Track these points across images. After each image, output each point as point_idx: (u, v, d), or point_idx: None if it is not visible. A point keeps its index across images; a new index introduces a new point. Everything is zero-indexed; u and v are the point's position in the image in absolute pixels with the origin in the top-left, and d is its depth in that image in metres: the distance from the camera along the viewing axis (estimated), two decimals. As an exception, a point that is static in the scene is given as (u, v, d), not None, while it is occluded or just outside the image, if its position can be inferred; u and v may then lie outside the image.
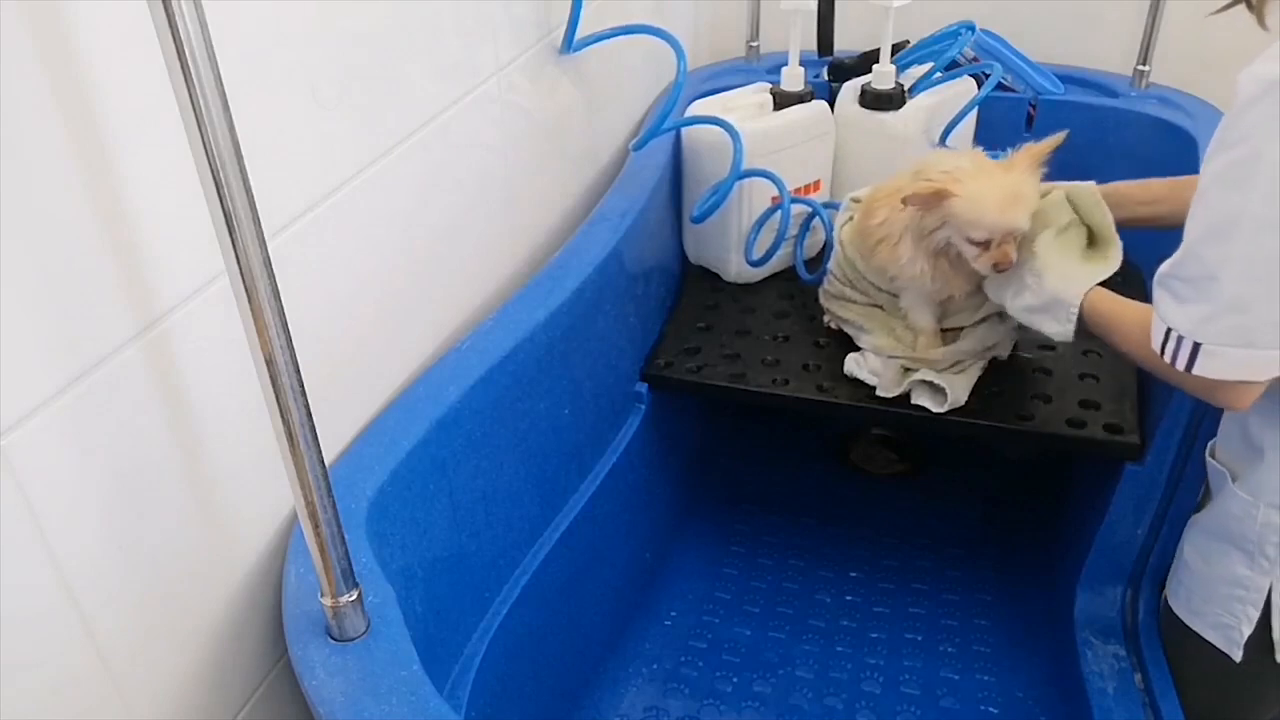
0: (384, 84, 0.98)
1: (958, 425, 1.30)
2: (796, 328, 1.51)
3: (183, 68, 0.58)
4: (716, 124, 1.46)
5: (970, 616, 1.54)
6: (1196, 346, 0.86)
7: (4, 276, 0.62)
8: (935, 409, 1.30)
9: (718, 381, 1.42)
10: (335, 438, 0.99)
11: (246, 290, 0.66)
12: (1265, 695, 1.09)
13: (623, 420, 1.45)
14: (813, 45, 1.59)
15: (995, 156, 1.18)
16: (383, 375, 1.06)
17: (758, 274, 1.62)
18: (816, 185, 1.61)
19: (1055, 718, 1.37)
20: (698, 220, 1.54)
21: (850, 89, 1.62)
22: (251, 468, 0.87)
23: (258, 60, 0.81)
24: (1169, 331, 0.88)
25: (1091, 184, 1.16)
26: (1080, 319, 1.07)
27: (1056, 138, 1.15)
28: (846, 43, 1.63)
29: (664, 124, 1.47)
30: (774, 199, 1.53)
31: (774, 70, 1.62)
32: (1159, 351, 0.90)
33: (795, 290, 1.59)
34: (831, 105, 1.61)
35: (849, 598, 1.58)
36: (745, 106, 1.54)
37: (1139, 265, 1.30)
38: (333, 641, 0.81)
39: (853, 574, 1.62)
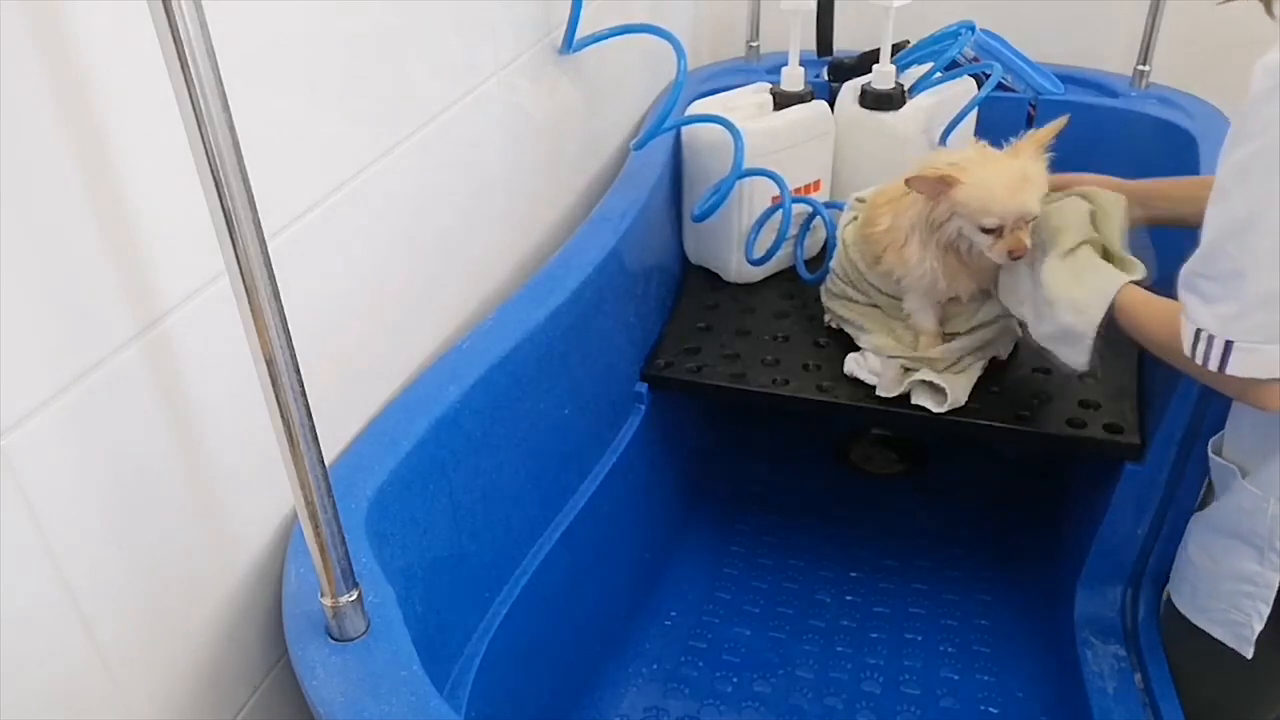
0: (384, 84, 0.98)
1: (958, 425, 1.30)
2: (796, 328, 1.51)
3: (183, 68, 0.58)
4: (717, 122, 1.46)
5: (970, 616, 1.54)
6: (1228, 345, 0.84)
7: (4, 276, 0.62)
8: (935, 409, 1.30)
9: (718, 381, 1.42)
10: (335, 438, 0.99)
11: (246, 290, 0.66)
12: (1270, 692, 1.09)
13: (623, 420, 1.45)
14: (813, 45, 1.60)
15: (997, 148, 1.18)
16: (383, 375, 1.06)
17: (758, 274, 1.62)
18: (816, 185, 1.61)
19: (1055, 718, 1.37)
20: (699, 219, 1.53)
21: (850, 89, 1.62)
22: (251, 468, 0.87)
23: (258, 60, 0.81)
24: (1199, 332, 0.87)
25: (1120, 197, 1.13)
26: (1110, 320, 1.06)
27: (1058, 123, 1.14)
28: (846, 43, 1.63)
29: (664, 123, 1.47)
30: (774, 199, 1.53)
31: (774, 70, 1.62)
32: (1190, 354, 0.88)
33: (795, 290, 1.59)
34: (831, 105, 1.61)
35: (849, 598, 1.58)
36: (745, 106, 1.54)
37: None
38: (333, 641, 0.81)
39: (853, 574, 1.62)
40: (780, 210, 1.51)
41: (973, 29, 1.57)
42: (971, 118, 1.59)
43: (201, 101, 0.59)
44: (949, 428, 1.31)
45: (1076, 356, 1.10)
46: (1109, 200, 1.13)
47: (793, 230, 1.55)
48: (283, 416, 0.71)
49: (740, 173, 1.47)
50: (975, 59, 1.65)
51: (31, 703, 0.69)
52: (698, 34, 1.89)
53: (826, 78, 1.67)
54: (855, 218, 1.39)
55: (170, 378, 0.77)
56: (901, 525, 1.71)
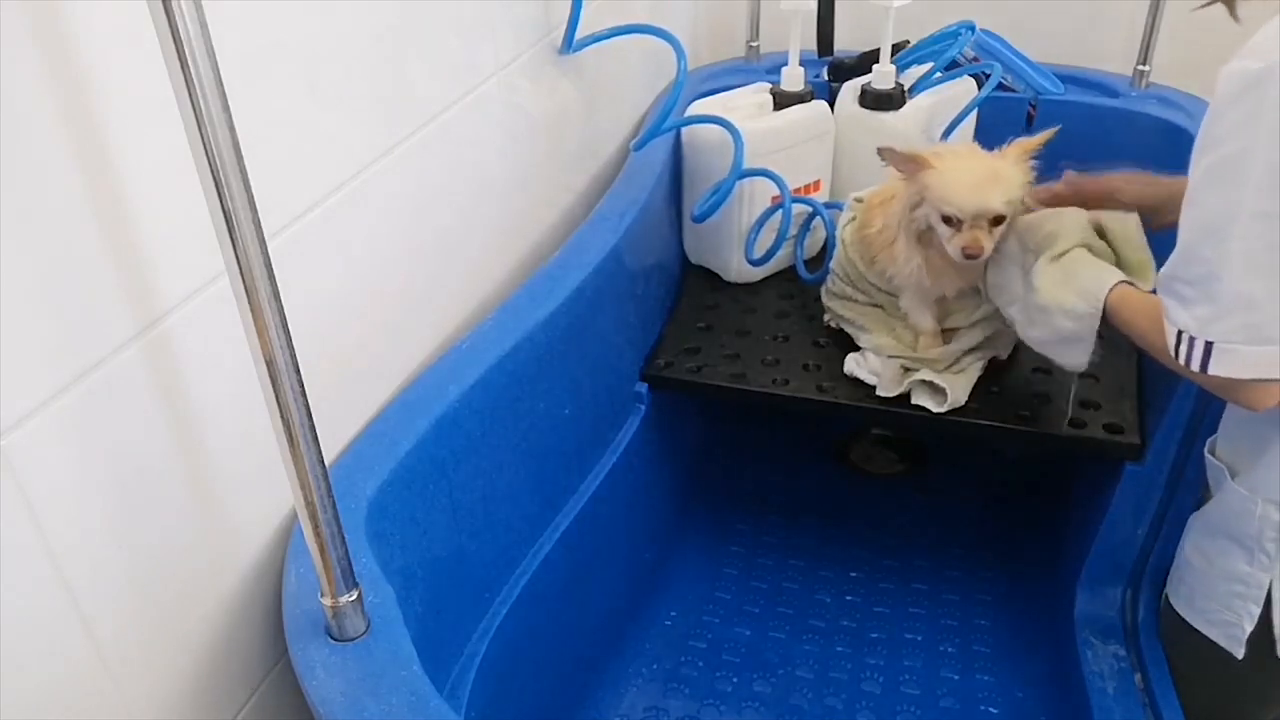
0: (384, 84, 0.98)
1: (958, 425, 1.30)
2: (796, 328, 1.51)
3: (183, 68, 0.58)
4: (717, 122, 1.46)
5: (970, 616, 1.54)
6: (1209, 346, 0.85)
7: (4, 276, 0.62)
8: (935, 409, 1.30)
9: (718, 381, 1.42)
10: (335, 438, 0.99)
11: (246, 290, 0.66)
12: (1267, 693, 1.09)
13: (623, 420, 1.45)
14: (813, 45, 1.60)
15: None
16: (383, 375, 1.06)
17: (758, 274, 1.62)
18: (816, 185, 1.61)
19: (1055, 718, 1.37)
20: (699, 219, 1.54)
21: (850, 89, 1.62)
22: (251, 468, 0.87)
23: (258, 60, 0.81)
24: (1180, 334, 0.88)
25: (1134, 217, 1.13)
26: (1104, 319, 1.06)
27: (1048, 133, 1.15)
28: (846, 43, 1.63)
29: (664, 123, 1.47)
30: (774, 199, 1.53)
31: (774, 70, 1.62)
32: (1174, 355, 0.89)
33: (795, 290, 1.59)
34: (831, 105, 1.61)
35: (849, 598, 1.58)
36: (745, 106, 1.54)
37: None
38: (333, 641, 0.81)
39: (853, 574, 1.62)
40: (780, 210, 1.51)
41: (973, 29, 1.57)
42: (971, 118, 1.59)
43: (201, 101, 0.59)
44: (949, 428, 1.31)
45: (1075, 358, 1.10)
46: (1119, 220, 1.13)
47: (793, 230, 1.55)
48: (283, 416, 0.71)
49: (740, 173, 1.47)
50: (975, 59, 1.65)
51: (31, 702, 0.69)
52: (698, 34, 1.89)
53: (826, 78, 1.67)
54: (854, 218, 1.39)
55: (170, 378, 0.77)
56: (901, 525, 1.71)
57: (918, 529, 1.70)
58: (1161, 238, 1.10)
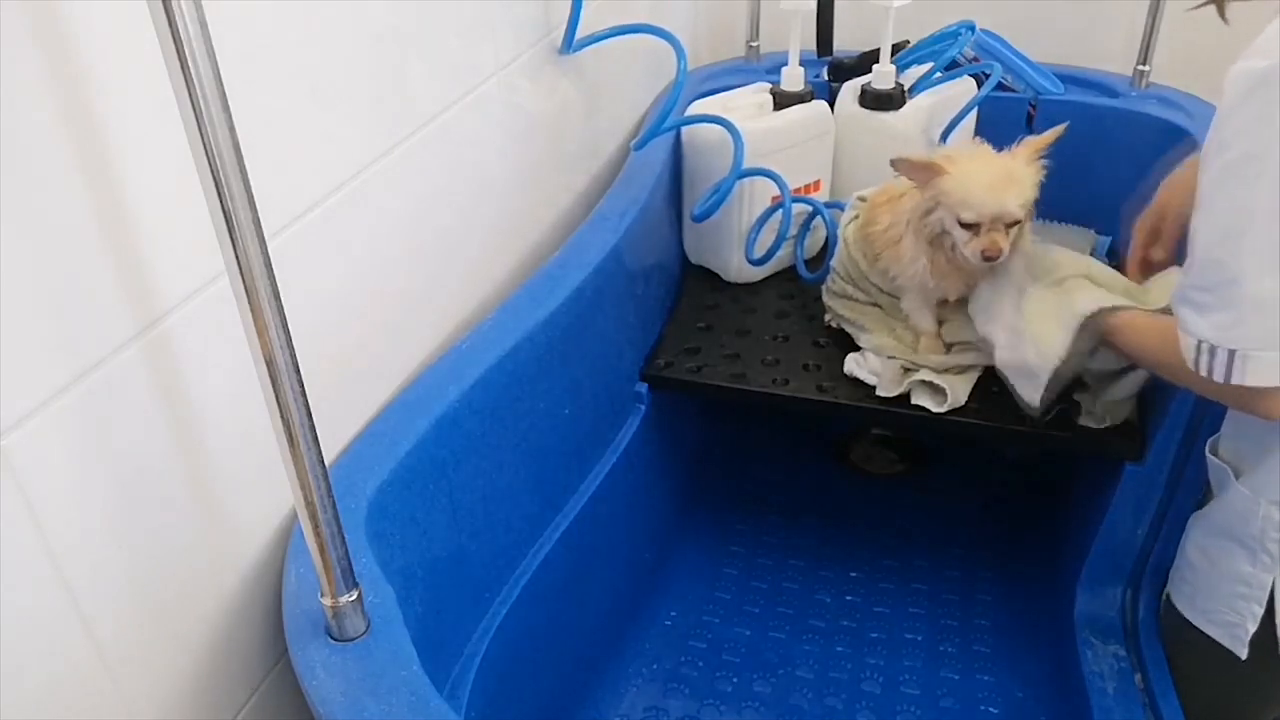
0: (384, 84, 0.98)
1: (958, 425, 1.30)
2: (796, 328, 1.51)
3: (183, 68, 0.58)
4: (717, 122, 1.46)
5: (970, 616, 1.54)
6: (1231, 355, 0.83)
7: (4, 276, 0.62)
8: (935, 409, 1.30)
9: (718, 381, 1.42)
10: (335, 438, 0.99)
11: (246, 290, 0.66)
12: (1269, 693, 1.09)
13: (623, 420, 1.45)
14: (813, 45, 1.60)
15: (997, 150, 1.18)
16: (383, 375, 1.06)
17: (758, 274, 1.62)
18: (816, 185, 1.61)
19: (1055, 718, 1.37)
20: (699, 219, 1.53)
21: (850, 89, 1.62)
22: (251, 468, 0.87)
23: (258, 60, 0.81)
24: (1200, 344, 0.85)
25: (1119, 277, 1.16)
26: (1105, 341, 1.06)
27: (1056, 130, 1.14)
28: (846, 43, 1.63)
29: (664, 123, 1.46)
30: (774, 198, 1.53)
31: (774, 70, 1.62)
32: (1194, 367, 0.87)
33: (795, 290, 1.59)
34: (831, 105, 1.61)
35: (849, 598, 1.58)
36: (745, 106, 1.54)
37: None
38: (333, 641, 0.81)
39: (853, 574, 1.62)
40: (780, 210, 1.51)
41: (973, 29, 1.57)
42: (971, 118, 1.59)
43: (201, 101, 0.59)
44: (949, 428, 1.31)
45: (1029, 393, 1.10)
46: (1110, 276, 1.15)
47: (793, 230, 1.55)
48: (283, 416, 0.71)
49: (740, 172, 1.47)
50: (975, 59, 1.65)
51: (31, 702, 0.69)
52: (698, 34, 1.89)
53: (826, 78, 1.67)
54: (857, 216, 1.39)
55: (170, 378, 0.77)
56: (901, 525, 1.71)
57: (918, 529, 1.70)
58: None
